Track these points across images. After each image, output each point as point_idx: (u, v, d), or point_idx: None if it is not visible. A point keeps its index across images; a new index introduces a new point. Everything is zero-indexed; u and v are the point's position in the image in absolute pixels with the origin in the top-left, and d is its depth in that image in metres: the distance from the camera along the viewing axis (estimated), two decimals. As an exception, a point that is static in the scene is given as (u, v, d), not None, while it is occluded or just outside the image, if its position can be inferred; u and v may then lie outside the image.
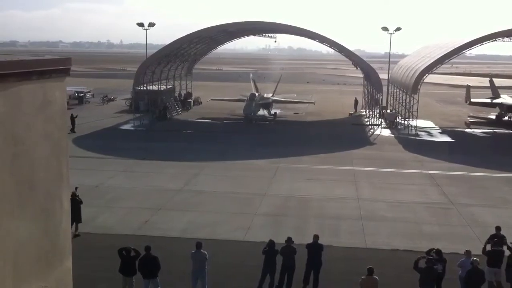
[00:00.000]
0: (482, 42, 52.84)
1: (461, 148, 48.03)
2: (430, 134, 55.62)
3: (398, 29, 67.59)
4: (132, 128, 55.90)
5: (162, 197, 30.51)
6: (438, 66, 53.81)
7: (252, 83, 69.28)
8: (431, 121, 63.83)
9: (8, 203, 6.93)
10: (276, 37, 75.40)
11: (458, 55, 54.78)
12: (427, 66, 53.43)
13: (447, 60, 54.26)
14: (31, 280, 7.26)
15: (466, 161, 41.48)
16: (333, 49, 64.40)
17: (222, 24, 60.12)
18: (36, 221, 7.44)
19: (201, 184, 33.67)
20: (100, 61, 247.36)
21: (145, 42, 66.06)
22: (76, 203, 24.07)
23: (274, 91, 68.11)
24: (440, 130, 58.30)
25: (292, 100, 71.17)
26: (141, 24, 69.70)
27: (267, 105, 64.55)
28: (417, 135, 54.19)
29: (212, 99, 72.66)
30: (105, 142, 47.31)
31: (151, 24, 69.54)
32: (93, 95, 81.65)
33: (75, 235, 23.77)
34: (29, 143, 7.25)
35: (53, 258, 7.76)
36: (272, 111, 65.14)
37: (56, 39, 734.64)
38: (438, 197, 31.69)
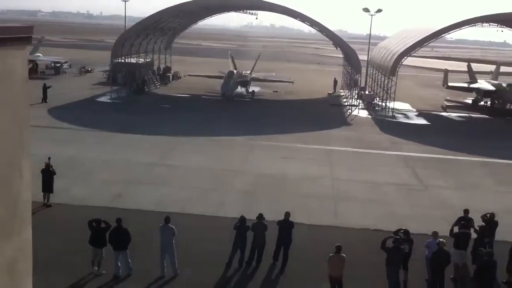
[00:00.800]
0: (461, 27, 53.24)
1: (436, 131, 48.45)
2: (406, 117, 56.04)
3: (379, 10, 67.62)
4: (109, 101, 55.34)
5: (136, 170, 30.41)
6: (416, 49, 54.17)
7: (230, 61, 68.39)
8: (409, 103, 64.21)
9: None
10: (257, 14, 74.94)
11: (436, 39, 55.13)
12: (405, 49, 53.71)
13: (425, 44, 54.61)
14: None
15: (441, 144, 41.90)
16: (314, 28, 64.14)
17: (203, -1, 59.44)
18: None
19: (176, 158, 33.63)
20: (79, 32, 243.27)
21: (127, 14, 65.17)
22: (49, 173, 23.95)
23: (252, 69, 67.05)
24: (416, 113, 58.74)
25: (271, 79, 70.58)
26: (121, -5, 68.80)
27: (245, 83, 63.75)
28: (394, 117, 54.59)
29: (189, 75, 72.23)
30: (81, 113, 46.78)
31: (131, -4, 68.64)
32: (70, 66, 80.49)
33: (47, 206, 23.73)
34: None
35: (10, 227, 7.67)
36: (250, 89, 64.53)
37: (35, 8, 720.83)
38: (410, 179, 32.07)
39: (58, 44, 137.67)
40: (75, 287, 17.24)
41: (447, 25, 52.95)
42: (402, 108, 60.30)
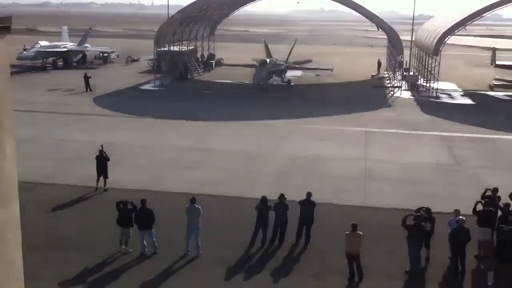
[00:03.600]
0: (506, 4, 51.43)
1: (480, 111, 47.38)
2: (451, 97, 54.94)
3: (423, -11, 66.25)
4: (152, 88, 56.50)
5: (172, 154, 31.25)
6: (460, 28, 52.84)
7: (264, 48, 64.08)
8: (455, 83, 62.86)
9: None
10: (299, -2, 74.33)
11: (481, 17, 53.46)
12: (448, 28, 52.41)
13: (469, 23, 53.07)
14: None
15: (483, 123, 41.08)
16: (355, 10, 63.19)
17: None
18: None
19: (212, 142, 34.27)
20: (129, 22, 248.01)
21: (176, 3, 65.60)
22: (103, 159, 24.89)
23: (288, 56, 62.78)
24: (462, 93, 57.52)
25: (308, 67, 67.39)
26: (164, -16, 69.68)
27: (280, 72, 59.64)
28: (437, 97, 53.56)
29: (223, 64, 72.05)
30: (124, 101, 48.14)
31: (174, -16, 69.44)
32: (117, 56, 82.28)
33: (104, 190, 24.85)
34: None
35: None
36: (286, 78, 60.40)
37: (88, 0, 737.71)
38: (446, 159, 31.69)
39: (108, 34, 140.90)
40: (104, 264, 18.03)
41: (491, 3, 51.33)
42: (447, 88, 59.12)
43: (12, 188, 8.74)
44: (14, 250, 8.92)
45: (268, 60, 57.21)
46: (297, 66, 64.43)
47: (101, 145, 25.66)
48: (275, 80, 59.13)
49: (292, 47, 62.29)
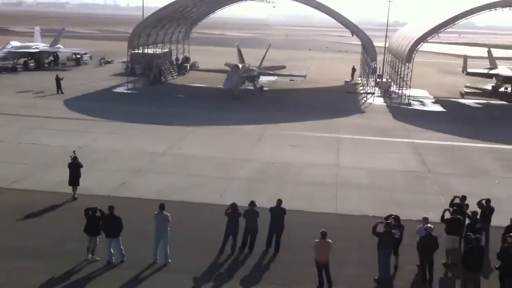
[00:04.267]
0: (478, 12, 52.26)
1: (451, 118, 48.01)
2: (422, 104, 55.54)
3: (395, -4, 67.11)
4: (125, 91, 55.87)
5: (143, 159, 30.87)
6: (432, 35, 53.49)
7: (237, 53, 62.17)
8: (427, 90, 63.61)
9: None
10: (274, 2, 74.64)
11: (454, 25, 54.21)
12: (421, 36, 53.02)
13: (441, 30, 53.76)
14: None
15: (454, 131, 41.56)
16: (330, 16, 63.48)
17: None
18: None
19: (184, 148, 34.02)
20: (104, 23, 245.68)
21: (153, 5, 65.02)
22: (77, 166, 24.32)
23: (261, 62, 61.13)
24: (433, 100, 58.18)
25: (281, 73, 66.32)
26: (139, -15, 69.18)
27: (253, 77, 57.87)
28: (409, 104, 54.10)
29: (195, 69, 71.20)
30: (96, 104, 47.39)
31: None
32: (90, 57, 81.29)
33: (74, 198, 24.20)
34: None
35: None
36: (259, 84, 58.92)
37: (63, 0, 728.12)
38: (417, 166, 31.94)
39: (82, 36, 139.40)
40: (70, 273, 17.63)
41: (463, 11, 52.10)
42: (419, 95, 59.78)
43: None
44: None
45: (240, 66, 55.79)
46: (270, 72, 64.03)
47: (73, 151, 25.14)
48: (248, 85, 58.15)
49: (266, 52, 61.65)
